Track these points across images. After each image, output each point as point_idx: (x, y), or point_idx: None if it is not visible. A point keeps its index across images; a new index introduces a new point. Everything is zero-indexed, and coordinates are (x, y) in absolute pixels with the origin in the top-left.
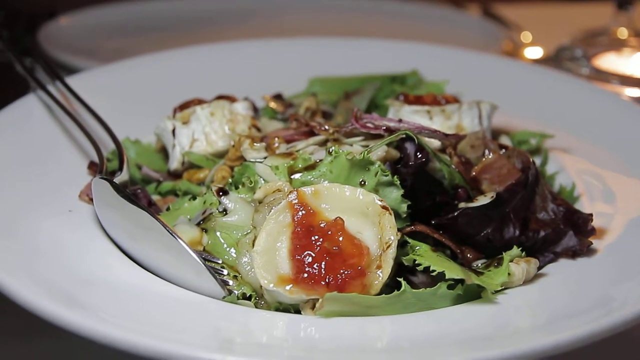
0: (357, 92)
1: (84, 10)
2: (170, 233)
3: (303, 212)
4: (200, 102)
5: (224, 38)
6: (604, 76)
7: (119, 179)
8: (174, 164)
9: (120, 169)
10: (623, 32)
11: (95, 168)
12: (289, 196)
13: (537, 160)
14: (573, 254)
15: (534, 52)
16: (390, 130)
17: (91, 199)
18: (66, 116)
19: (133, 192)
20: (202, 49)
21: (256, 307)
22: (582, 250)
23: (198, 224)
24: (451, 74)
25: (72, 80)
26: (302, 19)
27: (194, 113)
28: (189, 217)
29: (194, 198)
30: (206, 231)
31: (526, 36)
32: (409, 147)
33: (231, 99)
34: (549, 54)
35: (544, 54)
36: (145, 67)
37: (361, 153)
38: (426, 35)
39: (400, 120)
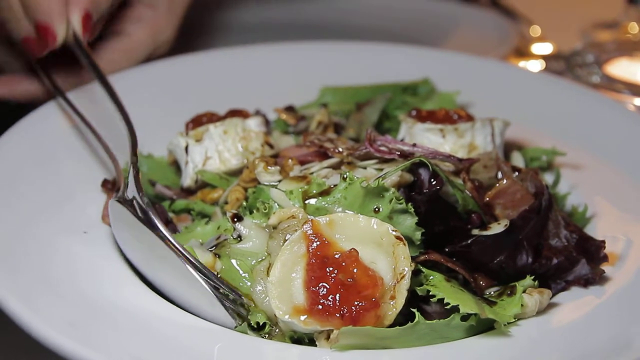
0: (369, 103)
1: None
2: (184, 263)
3: (318, 242)
4: (212, 115)
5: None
6: (614, 85)
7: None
8: (187, 181)
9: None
10: (634, 27)
11: (108, 186)
12: (304, 226)
13: (549, 178)
14: (585, 282)
15: (542, 48)
16: (404, 155)
17: None
18: (81, 129)
19: (152, 205)
20: (212, 55)
21: (270, 335)
22: (595, 279)
23: (211, 249)
24: (462, 81)
25: (81, 92)
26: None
27: (207, 131)
28: (200, 241)
29: (207, 221)
30: (219, 257)
31: (535, 30)
32: (423, 174)
33: (244, 114)
34: (558, 50)
35: (553, 50)
36: (152, 75)
37: (376, 178)
38: (437, 32)
39: (414, 145)
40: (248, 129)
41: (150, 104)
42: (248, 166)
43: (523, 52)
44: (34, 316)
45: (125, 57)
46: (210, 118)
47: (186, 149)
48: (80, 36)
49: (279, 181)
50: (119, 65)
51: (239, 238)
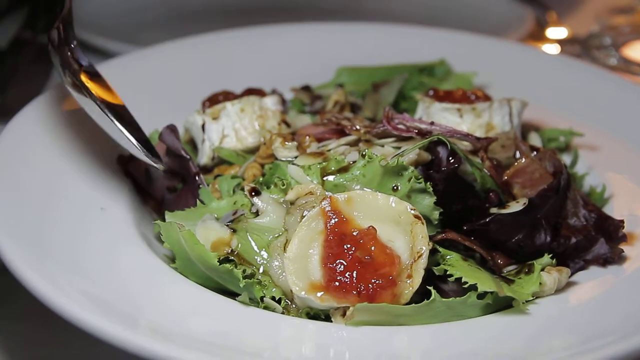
0: (385, 84)
1: None
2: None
3: (336, 219)
4: (228, 94)
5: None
6: (631, 67)
7: None
8: (204, 159)
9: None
10: None
11: (124, 161)
12: (322, 203)
13: (567, 159)
14: (604, 261)
15: (558, 33)
16: (421, 133)
17: None
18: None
19: None
20: (229, 34)
21: (286, 311)
22: (613, 258)
23: (227, 224)
24: (479, 62)
25: (101, 67)
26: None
27: (224, 109)
28: (215, 215)
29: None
30: (235, 232)
31: (550, 15)
32: (441, 152)
33: (260, 93)
34: (573, 35)
35: (568, 34)
36: (170, 54)
37: (394, 156)
38: (453, 15)
39: (432, 123)
40: (265, 107)
41: (167, 82)
42: (265, 142)
43: (538, 37)
44: (53, 289)
45: None
46: (226, 96)
47: (203, 126)
48: None
49: (296, 157)
50: None
51: (257, 213)
